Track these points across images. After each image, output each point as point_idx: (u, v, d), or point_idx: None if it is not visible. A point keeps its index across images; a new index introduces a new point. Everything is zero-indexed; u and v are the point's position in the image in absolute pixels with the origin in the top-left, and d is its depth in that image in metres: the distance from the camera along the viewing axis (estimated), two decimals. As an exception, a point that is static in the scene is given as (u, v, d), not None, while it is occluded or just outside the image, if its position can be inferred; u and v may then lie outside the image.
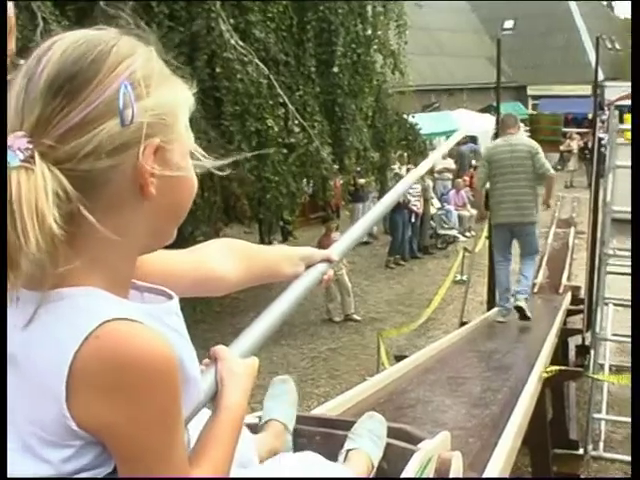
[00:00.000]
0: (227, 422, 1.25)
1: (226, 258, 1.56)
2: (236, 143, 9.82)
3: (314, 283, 1.72)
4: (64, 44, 1.06)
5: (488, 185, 8.56)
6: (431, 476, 2.27)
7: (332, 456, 2.11)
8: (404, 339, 11.48)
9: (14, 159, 0.98)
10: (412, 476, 2.07)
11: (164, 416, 1.06)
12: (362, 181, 15.87)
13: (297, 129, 10.57)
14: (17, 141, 1.00)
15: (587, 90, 29.08)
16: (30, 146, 1.00)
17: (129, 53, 1.08)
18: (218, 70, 9.65)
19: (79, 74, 1.03)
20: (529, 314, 8.30)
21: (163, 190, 1.11)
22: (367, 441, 2.17)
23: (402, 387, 5.09)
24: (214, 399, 1.27)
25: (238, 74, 9.71)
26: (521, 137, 8.49)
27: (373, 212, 2.17)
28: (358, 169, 13.76)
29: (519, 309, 8.32)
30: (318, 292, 12.63)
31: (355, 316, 12.50)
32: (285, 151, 10.43)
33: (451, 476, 2.32)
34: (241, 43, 9.86)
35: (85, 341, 1.00)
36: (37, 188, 0.97)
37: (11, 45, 1.62)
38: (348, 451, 2.14)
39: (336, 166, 11.66)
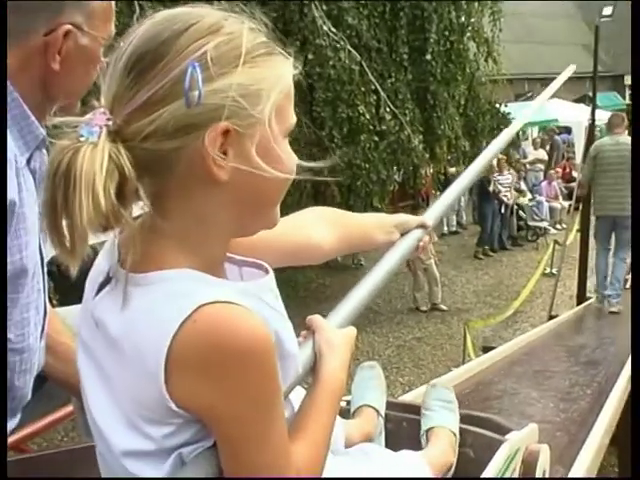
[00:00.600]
0: (327, 394, 1.25)
1: (320, 225, 1.57)
2: (327, 130, 9.84)
3: (410, 250, 1.71)
4: (148, 24, 1.07)
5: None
6: (517, 467, 2.24)
7: (419, 441, 2.13)
8: (490, 331, 11.36)
9: (92, 134, 1.00)
10: (500, 466, 2.05)
11: (262, 396, 1.07)
12: (453, 170, 15.72)
13: (388, 116, 10.52)
14: (99, 117, 1.02)
15: (689, 81, 28.18)
16: (109, 123, 1.02)
17: (207, 32, 1.05)
18: (310, 56, 9.68)
19: (147, 54, 1.03)
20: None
21: (238, 179, 1.08)
22: (440, 413, 2.16)
23: (489, 378, 5.05)
24: (313, 370, 1.27)
25: (330, 60, 9.72)
26: (627, 137, 8.95)
27: (465, 176, 2.11)
28: (449, 158, 13.62)
29: (613, 313, 8.82)
30: (405, 281, 12.60)
31: (442, 306, 12.41)
32: (376, 138, 10.40)
33: (538, 468, 2.29)
34: (333, 29, 9.86)
35: (182, 325, 1.01)
36: (94, 164, 0.98)
37: (110, 30, 1.70)
38: (427, 431, 2.13)
39: (427, 154, 11.58)
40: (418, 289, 12.37)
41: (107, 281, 1.13)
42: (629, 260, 9.46)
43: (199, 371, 1.02)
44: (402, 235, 1.71)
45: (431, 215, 1.82)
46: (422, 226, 1.75)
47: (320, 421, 1.21)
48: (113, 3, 1.72)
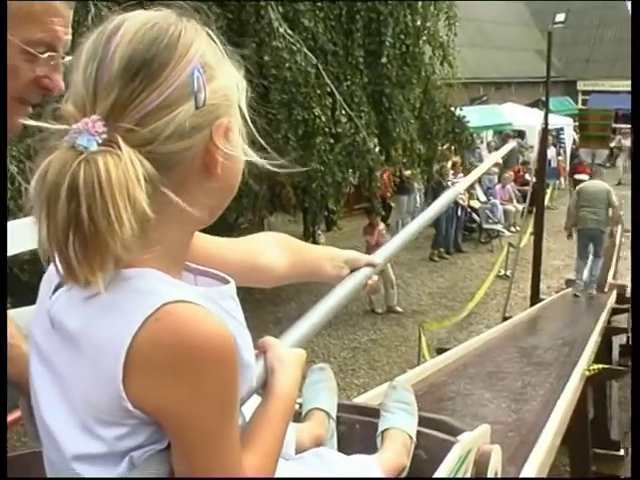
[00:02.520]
0: (277, 410, 1.24)
1: (275, 251, 1.58)
2: (283, 132, 9.83)
3: (359, 287, 1.73)
4: (134, 26, 1.06)
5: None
6: (470, 468, 2.26)
7: (372, 443, 2.12)
8: (445, 332, 11.44)
9: (92, 143, 0.99)
10: (452, 467, 2.07)
11: (221, 399, 1.07)
12: (408, 173, 15.80)
13: (344, 119, 10.54)
14: (92, 125, 1.00)
15: None
16: (106, 129, 1.00)
17: (196, 36, 1.10)
18: (266, 58, 9.66)
19: (155, 58, 1.04)
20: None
21: (225, 169, 1.13)
22: (398, 415, 2.17)
23: (442, 380, 5.08)
24: (264, 387, 1.27)
25: (286, 63, 9.70)
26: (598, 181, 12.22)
27: (418, 221, 2.20)
28: (404, 161, 13.69)
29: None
30: (360, 283, 12.61)
31: (397, 308, 12.47)
32: (331, 141, 10.41)
33: (490, 469, 2.31)
34: (290, 32, 9.85)
35: (145, 323, 1.00)
36: (128, 172, 0.98)
37: (33, 35, 1.57)
38: (383, 432, 2.13)
39: (382, 157, 11.62)
40: (374, 291, 12.39)
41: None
42: (601, 264, 11.29)
43: (160, 370, 1.01)
44: (351, 271, 1.73)
45: (381, 255, 1.86)
46: (371, 265, 1.77)
47: (271, 434, 1.21)
48: (43, 7, 1.51)
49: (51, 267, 1.14)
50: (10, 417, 2.11)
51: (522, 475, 3.30)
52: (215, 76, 1.10)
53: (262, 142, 1.23)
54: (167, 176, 1.05)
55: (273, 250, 1.58)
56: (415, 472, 2.09)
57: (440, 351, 7.13)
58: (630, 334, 9.79)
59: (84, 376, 1.04)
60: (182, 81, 1.05)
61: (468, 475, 2.25)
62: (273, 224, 13.24)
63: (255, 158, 1.20)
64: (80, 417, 1.06)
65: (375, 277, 1.79)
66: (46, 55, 1.52)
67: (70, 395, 1.06)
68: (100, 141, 1.00)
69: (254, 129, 1.20)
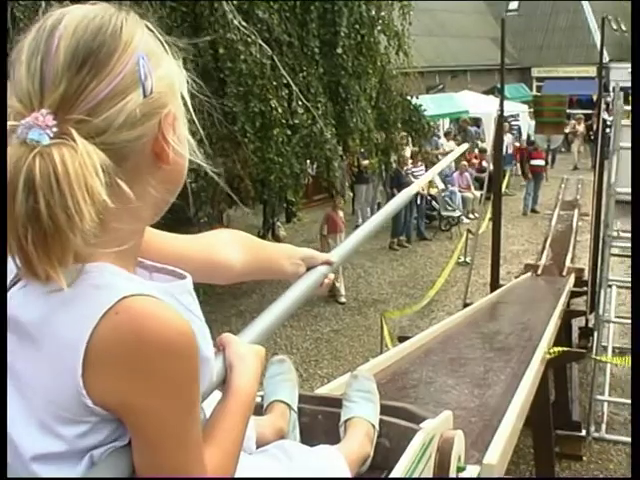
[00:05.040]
0: (237, 406, 1.24)
1: (232, 248, 1.58)
2: (240, 124, 9.80)
3: (316, 284, 1.74)
4: (76, 18, 1.05)
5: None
6: (433, 454, 2.28)
7: (335, 433, 2.13)
8: (407, 320, 11.51)
9: (43, 137, 0.98)
10: (415, 454, 2.09)
11: (183, 393, 1.06)
12: (366, 162, 15.83)
13: (301, 110, 10.53)
14: (42, 119, 0.99)
15: (592, 72, 28.97)
16: (56, 122, 0.99)
17: (137, 26, 1.10)
18: (221, 51, 9.61)
19: (101, 47, 1.03)
20: None
21: (173, 160, 1.13)
22: (360, 404, 2.19)
23: (405, 368, 5.10)
24: (224, 384, 1.27)
25: (241, 55, 9.66)
26: None
27: (374, 220, 2.24)
28: (362, 150, 13.71)
29: None
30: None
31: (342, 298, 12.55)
32: (289, 132, 10.40)
33: (453, 455, 2.34)
34: (244, 24, 9.80)
35: (103, 317, 1.00)
36: (85, 163, 0.98)
37: None
38: (345, 422, 2.15)
39: (340, 147, 11.63)
40: (337, 278, 12.42)
41: (18, 278, 1.10)
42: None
43: (120, 364, 1.00)
44: (308, 269, 1.74)
45: (337, 253, 1.88)
46: (327, 263, 1.79)
47: (231, 431, 1.21)
48: None
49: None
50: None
51: (486, 457, 3.33)
52: (159, 65, 1.11)
53: (201, 135, 1.24)
54: (120, 167, 1.04)
55: (230, 247, 1.58)
56: (379, 460, 2.11)
57: (402, 339, 7.15)
58: (587, 317, 9.96)
59: (43, 374, 1.03)
60: (129, 69, 1.05)
61: (432, 461, 2.27)
62: (232, 217, 13.20)
63: (195, 151, 1.20)
64: (39, 416, 1.04)
65: (332, 275, 1.80)
66: None
67: (28, 394, 1.05)
68: (51, 134, 0.98)
69: (196, 120, 1.20)
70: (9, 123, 1.00)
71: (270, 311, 1.56)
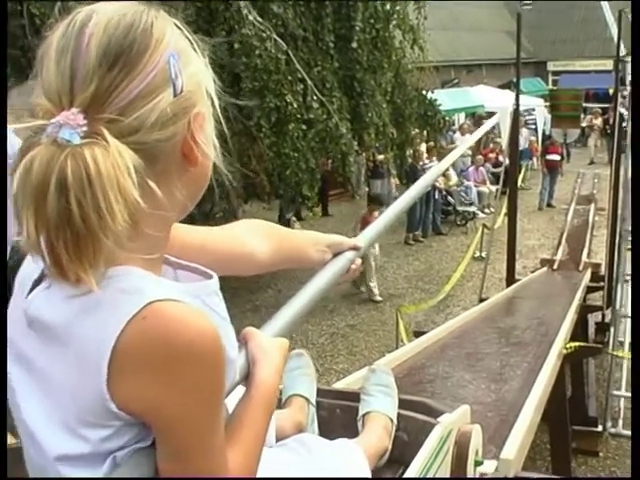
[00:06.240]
0: (260, 400, 1.24)
1: (256, 238, 1.57)
2: (255, 119, 9.80)
3: (343, 270, 1.73)
4: (106, 15, 1.03)
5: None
6: (451, 448, 2.29)
7: (353, 427, 2.14)
8: (423, 315, 11.48)
9: (74, 136, 0.96)
10: (433, 448, 2.09)
11: (208, 397, 1.06)
12: (381, 157, 15.81)
13: (316, 105, 10.52)
14: (73, 117, 0.98)
15: (609, 65, 28.82)
16: (86, 122, 0.98)
17: (167, 24, 1.08)
18: (236, 46, 9.62)
19: (133, 45, 1.02)
20: None
21: (200, 161, 1.12)
22: (378, 398, 2.20)
23: (421, 362, 5.09)
24: (247, 378, 1.26)
25: (256, 50, 9.66)
26: None
27: (398, 203, 2.21)
28: (377, 145, 13.69)
29: None
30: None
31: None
32: (304, 127, 10.39)
33: (471, 449, 2.34)
34: (259, 19, 9.80)
35: (130, 322, 0.98)
36: (117, 163, 0.96)
37: None
38: (363, 416, 2.16)
39: (355, 142, 11.62)
40: (371, 278, 12.40)
41: (40, 279, 1.09)
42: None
43: (146, 370, 0.99)
44: (335, 255, 1.73)
45: (363, 238, 1.87)
46: (354, 248, 1.77)
47: (254, 428, 1.21)
48: None
49: (25, 267, 1.14)
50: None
51: (503, 452, 3.33)
52: (188, 63, 1.09)
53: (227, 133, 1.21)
54: (151, 168, 1.03)
55: (255, 237, 1.56)
56: (397, 454, 2.12)
57: (418, 334, 7.14)
58: (604, 312, 9.91)
59: (67, 376, 1.02)
60: (160, 68, 1.03)
61: (450, 456, 2.28)
62: (248, 212, 13.21)
63: (214, 149, 1.17)
64: (63, 417, 1.03)
65: (359, 261, 1.79)
66: None
67: (53, 395, 1.04)
68: (82, 134, 0.97)
69: (222, 119, 1.18)
70: (38, 122, 0.99)
71: (297, 299, 1.56)
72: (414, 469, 1.97)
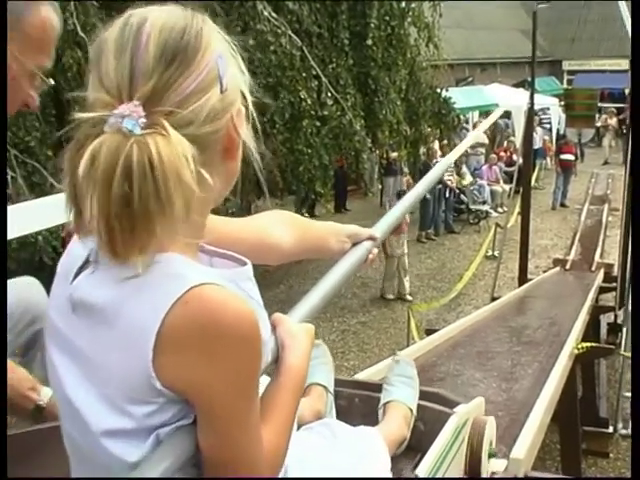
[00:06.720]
0: (289, 383, 1.30)
1: (282, 228, 1.65)
2: (269, 115, 9.81)
3: (361, 260, 1.80)
4: (161, 18, 1.12)
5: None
6: (466, 438, 2.36)
7: (371, 417, 2.20)
8: (434, 313, 11.49)
9: (136, 127, 1.04)
10: (449, 437, 2.16)
11: (247, 376, 1.12)
12: (394, 155, 15.79)
13: (330, 102, 10.53)
14: (134, 109, 1.05)
15: (624, 65, 28.64)
16: (145, 113, 1.05)
17: (213, 28, 1.18)
18: (251, 42, 9.63)
19: (187, 46, 1.11)
20: None
21: (237, 154, 1.22)
22: (400, 388, 2.28)
23: (432, 360, 5.10)
24: (276, 362, 1.32)
25: (271, 46, 9.68)
26: None
27: (412, 193, 2.29)
28: (391, 142, 13.67)
29: None
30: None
31: (408, 296, 12.43)
32: (318, 123, 10.40)
33: (485, 439, 2.41)
34: (274, 15, 9.81)
35: (174, 306, 1.04)
36: (177, 152, 1.04)
37: (42, 63, 1.73)
38: (385, 405, 2.24)
39: (369, 139, 11.61)
40: (388, 278, 12.40)
41: (84, 266, 1.16)
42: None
43: (189, 351, 1.05)
44: (353, 245, 1.81)
45: (379, 229, 1.95)
46: (371, 238, 1.85)
47: (285, 410, 1.27)
48: (53, 39, 1.73)
49: (65, 257, 1.22)
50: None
51: (513, 452, 3.32)
52: (229, 64, 1.18)
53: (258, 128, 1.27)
54: (201, 158, 1.10)
55: (281, 228, 1.64)
56: (414, 443, 2.19)
57: (429, 332, 7.14)
58: (616, 312, 9.88)
59: (113, 356, 1.08)
60: (211, 67, 1.12)
61: (464, 445, 2.36)
62: (261, 208, 13.19)
63: (253, 144, 1.26)
64: (109, 395, 1.09)
65: (375, 250, 1.86)
66: (51, 81, 1.74)
67: (97, 375, 1.10)
68: (142, 125, 1.04)
69: (256, 118, 1.26)
70: (97, 113, 1.06)
71: (320, 287, 1.62)
72: (430, 457, 2.04)
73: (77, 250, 1.18)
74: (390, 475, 1.82)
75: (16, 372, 1.98)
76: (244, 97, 1.23)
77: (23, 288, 2.21)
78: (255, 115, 1.25)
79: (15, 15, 1.63)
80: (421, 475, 1.99)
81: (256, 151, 1.26)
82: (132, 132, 1.03)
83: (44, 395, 1.98)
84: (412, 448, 2.17)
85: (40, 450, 1.78)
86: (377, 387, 2.33)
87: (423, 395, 2.32)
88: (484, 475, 2.45)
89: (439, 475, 2.09)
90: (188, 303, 1.04)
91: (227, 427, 1.11)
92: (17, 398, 1.94)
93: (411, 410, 2.23)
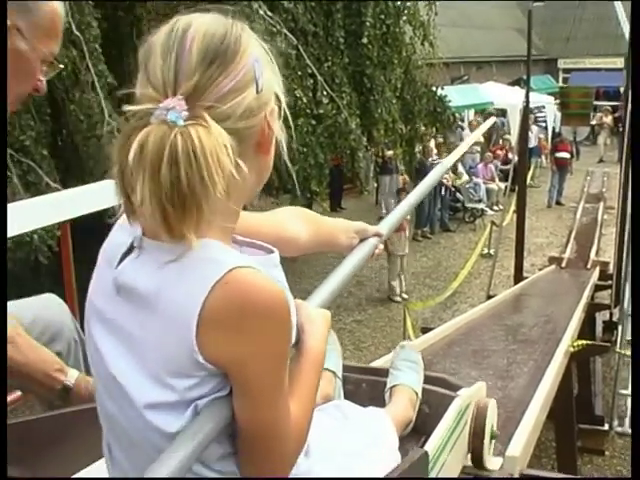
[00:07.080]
0: (309, 365, 1.40)
1: (299, 223, 1.77)
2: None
3: (368, 255, 1.92)
4: (204, 24, 1.24)
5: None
6: (469, 420, 2.47)
7: (378, 400, 2.27)
8: (430, 312, 11.50)
9: (179, 119, 1.15)
10: (452, 419, 2.26)
11: (281, 352, 1.24)
12: (390, 153, 15.79)
13: (325, 100, 10.53)
14: (178, 103, 1.16)
15: (619, 63, 28.69)
16: (187, 107, 1.16)
17: (251, 35, 1.29)
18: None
19: (227, 49, 1.22)
20: None
21: (270, 150, 1.33)
22: (406, 372, 2.37)
23: (427, 359, 5.09)
24: (296, 344, 1.40)
25: (267, 45, 9.66)
26: None
27: (414, 194, 2.39)
28: (386, 141, 13.67)
29: None
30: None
31: (404, 295, 12.48)
32: (313, 122, 10.40)
33: (487, 421, 2.52)
34: (269, 13, 9.80)
35: (214, 287, 1.15)
36: (217, 141, 1.15)
37: (53, 48, 1.83)
38: (391, 388, 2.33)
39: (364, 138, 11.61)
40: (394, 278, 12.40)
41: (129, 251, 1.26)
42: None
43: (229, 328, 1.16)
44: (360, 241, 1.93)
45: (385, 226, 2.07)
46: (377, 235, 1.97)
47: (307, 388, 1.37)
48: (61, 26, 1.82)
49: (108, 242, 1.34)
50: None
51: (509, 449, 3.34)
52: (265, 67, 1.29)
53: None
54: (237, 149, 1.20)
55: (297, 223, 1.76)
56: (419, 425, 2.27)
57: (425, 330, 7.15)
58: (612, 310, 9.89)
59: (157, 334, 1.19)
60: (248, 68, 1.24)
61: (467, 427, 2.47)
62: (257, 207, 13.16)
63: (285, 141, 1.36)
64: (152, 370, 1.20)
65: (381, 246, 1.99)
66: (61, 66, 1.85)
67: (141, 352, 1.21)
68: (184, 117, 1.15)
69: (290, 117, 1.36)
70: (144, 106, 1.17)
71: (331, 279, 1.75)
72: (435, 439, 2.13)
73: (120, 237, 1.29)
74: (398, 455, 1.88)
75: (40, 353, 2.02)
76: (278, 99, 1.33)
77: (42, 304, 2.26)
78: (289, 114, 1.36)
79: (29, 3, 1.72)
80: (428, 450, 2.05)
81: (286, 148, 1.36)
82: (175, 123, 1.14)
83: (70, 376, 2.03)
84: (417, 430, 2.25)
85: (65, 434, 1.85)
86: (384, 372, 2.43)
87: (428, 379, 2.41)
88: (486, 455, 2.56)
89: (443, 455, 2.18)
90: (227, 284, 1.15)
91: (260, 397, 1.22)
92: (44, 378, 1.99)
93: (416, 393, 2.32)
